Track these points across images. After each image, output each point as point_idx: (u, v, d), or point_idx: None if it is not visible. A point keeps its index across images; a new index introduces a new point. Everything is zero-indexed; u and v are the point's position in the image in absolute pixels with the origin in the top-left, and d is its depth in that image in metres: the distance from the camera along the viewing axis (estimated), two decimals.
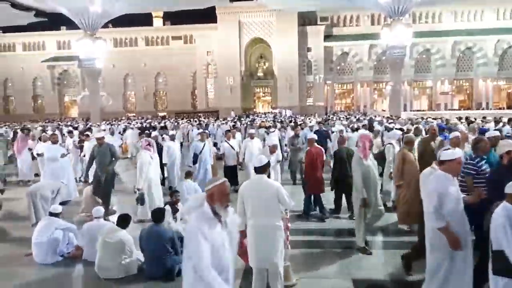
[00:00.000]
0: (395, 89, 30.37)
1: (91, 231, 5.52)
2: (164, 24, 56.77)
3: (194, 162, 9.45)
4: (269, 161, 4.29)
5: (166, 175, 9.84)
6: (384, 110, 43.00)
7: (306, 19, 49.75)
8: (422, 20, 49.23)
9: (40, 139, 11.79)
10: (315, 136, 8.18)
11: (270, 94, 53.99)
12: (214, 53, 50.09)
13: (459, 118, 16.96)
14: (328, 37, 49.23)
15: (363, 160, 5.58)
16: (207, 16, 48.66)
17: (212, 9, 46.25)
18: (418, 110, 44.59)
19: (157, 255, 4.94)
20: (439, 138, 7.30)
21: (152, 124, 24.35)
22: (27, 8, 35.05)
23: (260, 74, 52.75)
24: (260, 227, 4.01)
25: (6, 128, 23.81)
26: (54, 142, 9.37)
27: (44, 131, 13.40)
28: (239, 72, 49.46)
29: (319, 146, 7.79)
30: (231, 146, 10.13)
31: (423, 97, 53.39)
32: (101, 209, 6.01)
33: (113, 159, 7.90)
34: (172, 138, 10.74)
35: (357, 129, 12.14)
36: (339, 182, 7.27)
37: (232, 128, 16.12)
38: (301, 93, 49.47)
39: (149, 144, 7.64)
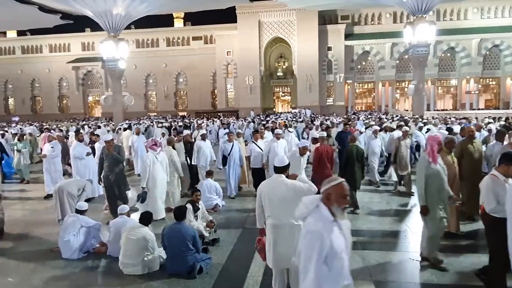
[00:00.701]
0: (418, 88, 29.69)
1: (116, 228, 5.66)
2: (184, 25, 57.45)
3: (224, 164, 9.27)
4: (289, 163, 4.27)
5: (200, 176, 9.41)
6: (407, 110, 42.17)
7: (326, 18, 49.35)
8: (446, 17, 48.00)
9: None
10: (325, 134, 9.43)
11: (289, 93, 53.82)
12: (234, 53, 50.31)
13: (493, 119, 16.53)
14: (348, 35, 48.66)
15: (432, 164, 4.99)
16: (227, 16, 49.08)
17: (232, 9, 46.49)
18: (442, 110, 43.49)
19: (179, 252, 5.01)
20: (477, 139, 7.34)
21: (180, 123, 24.57)
22: (53, 11, 36.13)
23: (279, 73, 52.64)
24: (279, 227, 3.99)
25: (33, 127, 24.63)
26: (80, 140, 9.63)
27: (79, 131, 13.26)
28: (259, 71, 49.50)
29: (327, 145, 8.66)
30: (259, 147, 9.27)
31: (447, 96, 52.04)
32: (125, 207, 6.16)
33: (121, 163, 7.72)
34: (203, 137, 10.11)
35: (392, 130, 11.49)
36: (346, 179, 7.27)
37: (263, 128, 14.60)
38: (321, 92, 49.09)
39: (155, 144, 7.69)
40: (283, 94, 55.47)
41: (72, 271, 5.31)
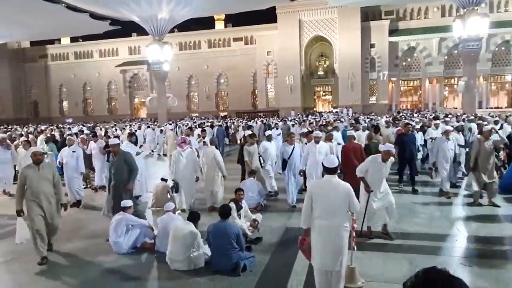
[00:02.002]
0: (469, 84, 28.11)
1: (163, 224, 5.89)
2: (225, 27, 58.31)
3: (283, 169, 8.52)
4: (339, 163, 4.26)
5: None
6: (456, 108, 40.03)
7: (369, 14, 47.97)
8: (500, 8, 44.91)
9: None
10: (354, 133, 9.53)
11: (330, 93, 52.94)
12: (274, 53, 50.33)
13: None
14: (393, 31, 46.98)
15: None
16: (267, 16, 49.10)
17: (273, 9, 46.54)
18: (495, 107, 40.82)
19: (223, 250, 5.11)
20: None
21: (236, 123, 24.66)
22: (103, 18, 38.19)
23: (320, 72, 51.93)
24: (328, 228, 3.97)
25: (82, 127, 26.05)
26: (131, 141, 10.09)
27: (95, 133, 13.22)
28: (299, 71, 49.16)
29: (357, 142, 8.75)
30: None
31: (502, 93, 48.68)
32: (172, 204, 6.39)
33: (131, 171, 6.83)
34: (269, 138, 9.57)
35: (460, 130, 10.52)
36: None
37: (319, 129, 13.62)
38: (363, 91, 47.83)
39: (183, 142, 8.49)
40: (323, 94, 54.68)
41: (123, 264, 5.57)
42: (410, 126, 9.98)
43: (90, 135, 12.95)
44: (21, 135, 16.44)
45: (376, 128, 10.58)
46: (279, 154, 8.81)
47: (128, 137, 10.25)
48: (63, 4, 33.45)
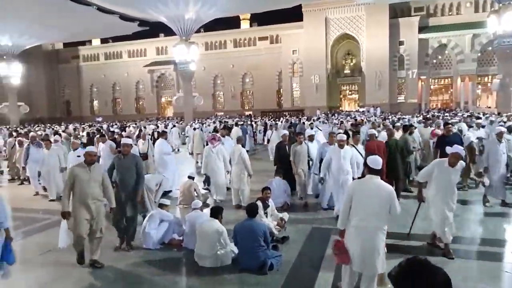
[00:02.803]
0: (504, 82, 26.97)
1: (191, 221, 5.96)
2: (251, 26, 58.44)
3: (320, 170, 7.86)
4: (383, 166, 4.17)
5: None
6: (489, 107, 38.46)
7: (398, 11, 46.81)
8: None
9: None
10: (375, 132, 9.21)
11: (357, 91, 52.08)
12: (300, 51, 50.00)
13: None
14: (423, 28, 45.64)
15: None
16: (293, 15, 48.82)
17: (298, 7, 46.24)
18: None
19: (250, 248, 5.10)
20: None
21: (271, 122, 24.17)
22: (132, 19, 39.15)
23: (347, 71, 51.16)
24: (366, 229, 3.88)
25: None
26: (165, 138, 10.42)
27: (103, 134, 12.65)
28: (325, 70, 48.62)
29: (380, 140, 8.69)
30: (360, 153, 8.09)
31: None
32: (199, 202, 6.47)
33: (138, 178, 6.09)
34: (311, 139, 9.14)
35: None
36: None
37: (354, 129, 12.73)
38: (391, 89, 46.75)
39: (213, 139, 9.11)
40: (350, 92, 53.86)
41: (151, 259, 5.67)
42: (450, 126, 9.02)
43: (98, 135, 12.50)
44: (56, 133, 16.96)
45: (406, 128, 10.08)
46: (317, 154, 8.44)
47: (162, 135, 10.51)
48: (95, 6, 34.50)
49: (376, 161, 4.09)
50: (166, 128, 20.88)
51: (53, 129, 23.90)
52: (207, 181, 8.93)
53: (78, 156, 8.85)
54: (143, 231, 6.08)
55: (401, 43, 46.19)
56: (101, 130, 19.40)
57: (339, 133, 8.62)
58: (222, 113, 53.55)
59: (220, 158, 8.87)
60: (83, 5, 33.36)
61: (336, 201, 7.41)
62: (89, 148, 5.63)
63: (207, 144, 9.84)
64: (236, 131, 16.19)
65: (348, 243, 4.00)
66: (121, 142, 6.39)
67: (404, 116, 25.49)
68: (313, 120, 22.07)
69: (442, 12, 46.74)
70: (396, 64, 46.98)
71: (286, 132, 9.78)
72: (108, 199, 5.49)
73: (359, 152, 8.08)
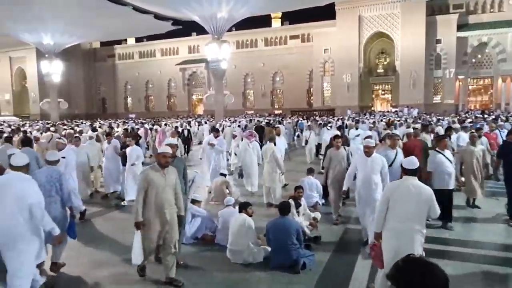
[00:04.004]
0: None
1: (224, 218, 6.01)
2: (282, 24, 58.23)
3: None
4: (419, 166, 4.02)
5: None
6: None
7: (435, 8, 45.17)
8: None
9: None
10: (412, 131, 8.71)
11: (390, 91, 50.75)
12: (332, 50, 49.31)
13: None
14: (462, 26, 43.79)
15: None
16: (325, 13, 48.24)
17: (331, 6, 45.58)
18: None
19: (283, 246, 5.08)
20: None
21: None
22: (166, 19, 39.98)
23: (380, 70, 49.94)
24: (403, 232, 3.77)
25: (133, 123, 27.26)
26: (217, 136, 10.48)
27: (110, 133, 11.71)
28: (357, 69, 47.69)
29: (418, 139, 8.00)
30: (447, 158, 6.73)
31: None
32: (232, 199, 6.52)
33: (187, 181, 5.61)
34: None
35: None
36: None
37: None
38: (426, 89, 45.19)
39: (251, 135, 9.78)
40: (382, 92, 52.58)
41: (184, 254, 5.75)
42: None
43: (104, 134, 12.07)
44: (94, 129, 17.41)
45: (445, 131, 9.59)
46: None
47: (214, 132, 10.69)
48: (131, 6, 35.50)
49: (411, 162, 3.97)
50: (200, 125, 21.17)
51: (91, 125, 24.73)
52: (241, 173, 9.59)
53: (63, 158, 6.96)
54: None
55: (438, 41, 44.54)
56: (112, 127, 19.37)
57: (395, 134, 7.55)
58: (252, 112, 53.72)
59: (255, 152, 9.57)
60: (120, 5, 34.40)
61: (361, 219, 6.07)
62: (164, 149, 4.69)
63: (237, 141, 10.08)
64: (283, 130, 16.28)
65: (384, 246, 3.90)
66: (166, 143, 5.47)
67: (443, 118, 24.55)
68: (354, 119, 21.57)
69: (482, 9, 44.64)
70: (433, 63, 45.37)
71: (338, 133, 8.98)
72: (179, 207, 4.79)
73: (448, 158, 6.68)
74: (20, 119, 46.63)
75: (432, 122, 18.12)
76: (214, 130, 10.92)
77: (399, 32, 44.92)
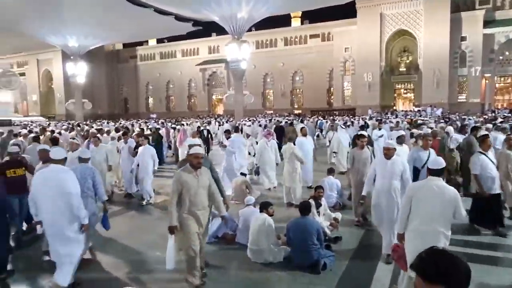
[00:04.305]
0: None
1: (244, 217, 6.04)
2: (302, 24, 57.94)
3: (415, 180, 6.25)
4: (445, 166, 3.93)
5: None
6: None
7: (460, 5, 43.90)
8: None
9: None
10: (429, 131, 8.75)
11: (413, 90, 49.69)
12: (352, 49, 48.69)
13: None
14: (488, 23, 42.39)
15: None
16: (346, 12, 47.67)
17: (351, 4, 44.98)
18: None
19: (303, 246, 5.07)
20: None
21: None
22: (186, 20, 40.42)
23: (402, 69, 48.95)
24: (427, 233, 3.70)
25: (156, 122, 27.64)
26: (228, 137, 10.79)
27: (126, 133, 11.61)
28: (379, 67, 46.92)
29: (437, 139, 8.09)
30: (491, 161, 6.32)
31: None
32: (252, 198, 6.54)
33: (218, 182, 5.38)
34: (401, 141, 7.64)
35: None
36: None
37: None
38: (451, 88, 43.99)
39: (269, 134, 10.14)
40: (405, 91, 51.54)
41: (208, 252, 5.81)
42: None
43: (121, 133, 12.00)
44: (118, 130, 17.70)
45: (472, 130, 9.25)
46: (410, 161, 6.51)
47: (236, 131, 10.81)
48: (152, 8, 36.07)
49: (437, 162, 3.90)
50: (221, 125, 21.39)
51: (114, 124, 25.28)
52: (257, 171, 9.77)
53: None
54: None
55: (463, 38, 43.30)
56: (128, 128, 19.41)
57: (428, 134, 7.10)
58: (272, 112, 53.68)
59: (273, 151, 9.87)
60: (142, 7, 34.99)
61: (380, 228, 5.56)
62: (195, 150, 4.59)
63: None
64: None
65: (407, 247, 3.83)
66: (188, 143, 5.64)
67: (469, 117, 23.82)
68: (377, 119, 21.16)
69: (510, 4, 43.11)
70: (457, 61, 44.14)
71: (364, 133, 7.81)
72: (217, 207, 4.75)
73: (491, 160, 6.23)
74: (47, 119, 48.15)
75: (464, 122, 17.47)
76: (236, 129, 11.00)
77: (422, 30, 43.93)
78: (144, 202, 8.93)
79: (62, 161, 4.57)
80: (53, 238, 4.41)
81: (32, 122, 36.02)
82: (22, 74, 55.78)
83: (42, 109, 65.76)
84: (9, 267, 5.13)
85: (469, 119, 20.89)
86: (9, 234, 5.42)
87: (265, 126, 20.42)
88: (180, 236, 4.51)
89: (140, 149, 8.99)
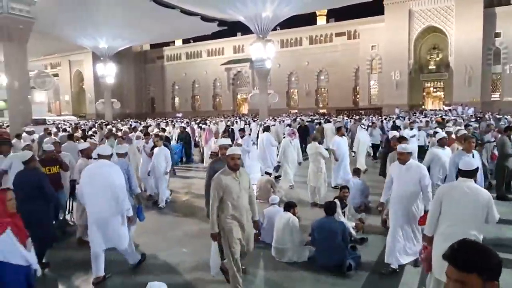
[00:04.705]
0: None
1: (269, 216, 6.07)
2: (327, 22, 57.28)
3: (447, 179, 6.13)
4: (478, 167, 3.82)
5: None
6: None
7: (495, 0, 42.16)
8: None
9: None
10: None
11: (443, 89, 48.15)
12: (379, 47, 47.68)
13: None
14: None
15: None
16: (373, 9, 46.70)
17: (378, 1, 44.11)
18: None
19: (328, 246, 5.04)
20: None
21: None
22: (212, 20, 40.86)
23: (431, 66, 47.49)
24: (458, 236, 3.55)
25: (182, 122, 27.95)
26: (243, 136, 10.97)
27: (147, 133, 11.18)
28: (407, 65, 45.71)
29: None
30: None
31: None
32: (276, 197, 6.56)
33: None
34: (442, 144, 6.72)
35: None
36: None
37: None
38: (483, 86, 42.27)
39: (293, 133, 10.39)
40: (434, 90, 49.99)
41: None
42: None
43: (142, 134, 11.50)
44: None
45: (506, 129, 8.84)
46: (451, 165, 6.01)
47: (265, 130, 10.96)
48: (179, 9, 36.68)
49: (468, 163, 3.76)
50: (248, 124, 21.60)
51: (140, 123, 25.85)
52: (276, 168, 10.09)
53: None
54: None
55: (497, 35, 41.54)
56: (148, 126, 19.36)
57: (471, 136, 6.73)
58: (296, 111, 53.40)
59: (296, 150, 10.06)
60: (169, 8, 35.65)
61: (391, 241, 5.04)
62: (233, 150, 4.34)
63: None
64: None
65: (434, 250, 3.74)
66: (219, 144, 5.43)
67: (505, 116, 22.85)
68: (409, 118, 20.57)
69: None
70: (491, 58, 42.39)
71: (395, 135, 7.36)
72: (252, 210, 4.49)
73: None
74: (78, 118, 49.89)
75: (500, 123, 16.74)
76: (241, 130, 11.02)
77: (454, 26, 42.44)
78: (161, 205, 8.60)
79: (109, 157, 5.02)
80: (98, 227, 4.74)
81: (64, 121, 37.46)
82: (55, 75, 57.96)
83: (74, 109, 68.15)
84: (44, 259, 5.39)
85: (505, 118, 20.00)
86: (53, 224, 5.83)
87: (290, 126, 20.43)
88: (223, 243, 4.30)
89: (155, 150, 8.80)
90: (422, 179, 4.83)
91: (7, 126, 22.23)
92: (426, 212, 3.94)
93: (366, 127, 15.59)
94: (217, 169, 4.54)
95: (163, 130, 15.92)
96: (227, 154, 4.41)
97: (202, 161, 15.12)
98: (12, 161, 6.12)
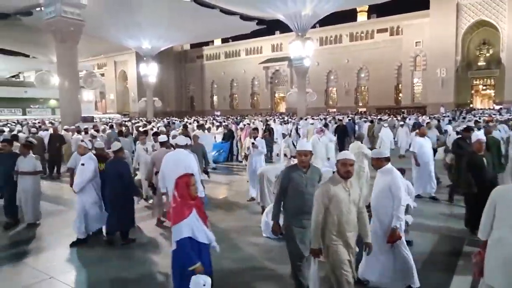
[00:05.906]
0: None
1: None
2: (369, 18, 55.83)
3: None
4: None
5: None
6: None
7: None
8: None
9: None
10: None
11: (493, 86, 45.43)
12: (424, 43, 45.78)
13: None
14: None
15: None
16: (417, 3, 44.92)
17: None
18: None
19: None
20: None
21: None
22: (251, 18, 41.07)
23: (481, 63, 44.94)
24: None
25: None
26: (256, 137, 10.82)
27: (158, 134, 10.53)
28: (454, 62, 43.56)
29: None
30: None
31: None
32: None
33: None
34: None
35: None
36: None
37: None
38: None
39: (321, 130, 10.56)
40: (484, 88, 47.28)
41: (272, 245, 5.89)
42: None
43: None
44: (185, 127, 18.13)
45: None
46: None
47: (320, 132, 11.00)
48: (218, 9, 37.22)
49: None
50: (287, 123, 21.63)
51: (180, 122, 26.51)
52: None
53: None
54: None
55: None
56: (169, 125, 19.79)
57: None
58: (335, 110, 52.54)
59: (323, 147, 10.12)
60: (209, 8, 36.28)
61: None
62: (344, 155, 3.66)
63: None
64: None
65: (487, 255, 3.52)
66: (298, 149, 4.22)
67: None
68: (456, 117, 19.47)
69: None
70: None
71: (482, 138, 6.37)
72: (362, 230, 3.73)
73: None
74: (122, 116, 52.09)
75: None
76: (255, 130, 10.75)
77: (506, 20, 39.89)
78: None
79: (185, 146, 6.17)
80: None
81: (109, 118, 39.25)
82: (102, 75, 60.87)
83: (118, 107, 71.26)
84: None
85: None
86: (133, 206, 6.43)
87: (326, 125, 20.10)
88: (329, 261, 3.65)
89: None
90: (391, 187, 4.34)
91: (60, 123, 23.61)
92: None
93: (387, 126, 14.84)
94: (294, 178, 4.00)
95: (185, 127, 15.07)
96: (337, 158, 3.70)
97: (236, 158, 15.44)
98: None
